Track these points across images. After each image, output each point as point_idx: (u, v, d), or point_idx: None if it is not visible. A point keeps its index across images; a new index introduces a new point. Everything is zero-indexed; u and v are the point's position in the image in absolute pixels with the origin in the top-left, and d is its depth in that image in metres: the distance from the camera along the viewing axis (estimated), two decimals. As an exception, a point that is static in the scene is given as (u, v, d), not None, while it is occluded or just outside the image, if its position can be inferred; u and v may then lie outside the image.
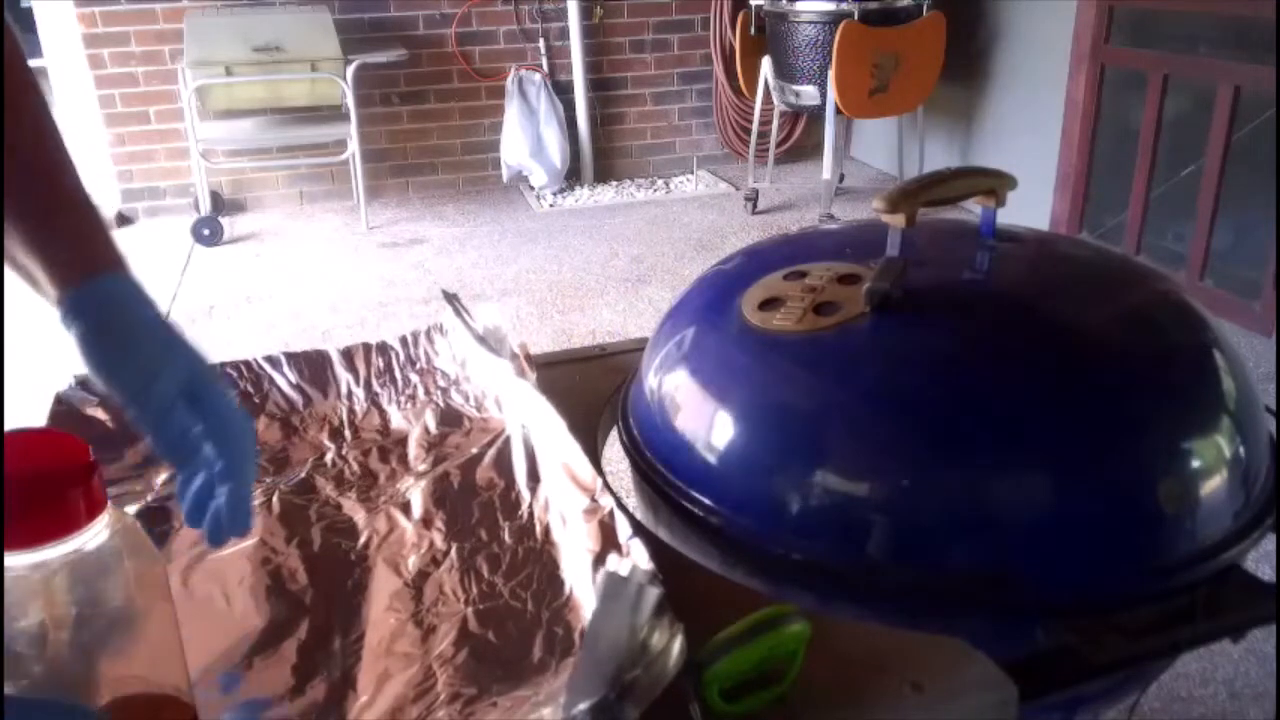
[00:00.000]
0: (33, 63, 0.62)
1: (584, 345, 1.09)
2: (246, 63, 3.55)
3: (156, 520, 0.76)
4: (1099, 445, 0.68)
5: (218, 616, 0.66)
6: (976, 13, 3.76)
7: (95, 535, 0.48)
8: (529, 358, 0.88)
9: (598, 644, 0.50)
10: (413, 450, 0.86)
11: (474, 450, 0.84)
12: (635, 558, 0.60)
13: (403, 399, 0.94)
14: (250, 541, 0.73)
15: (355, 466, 0.84)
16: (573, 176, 4.44)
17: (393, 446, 0.87)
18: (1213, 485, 0.70)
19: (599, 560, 0.63)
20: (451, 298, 0.98)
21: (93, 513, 0.47)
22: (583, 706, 0.47)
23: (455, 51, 4.22)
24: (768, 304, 0.79)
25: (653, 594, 0.51)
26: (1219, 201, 2.79)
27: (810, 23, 3.49)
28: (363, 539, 0.75)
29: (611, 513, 0.65)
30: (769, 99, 3.85)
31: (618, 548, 0.63)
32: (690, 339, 0.84)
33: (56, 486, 0.46)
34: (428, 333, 0.99)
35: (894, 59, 3.49)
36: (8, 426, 0.48)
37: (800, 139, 4.59)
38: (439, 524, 0.75)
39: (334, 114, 3.86)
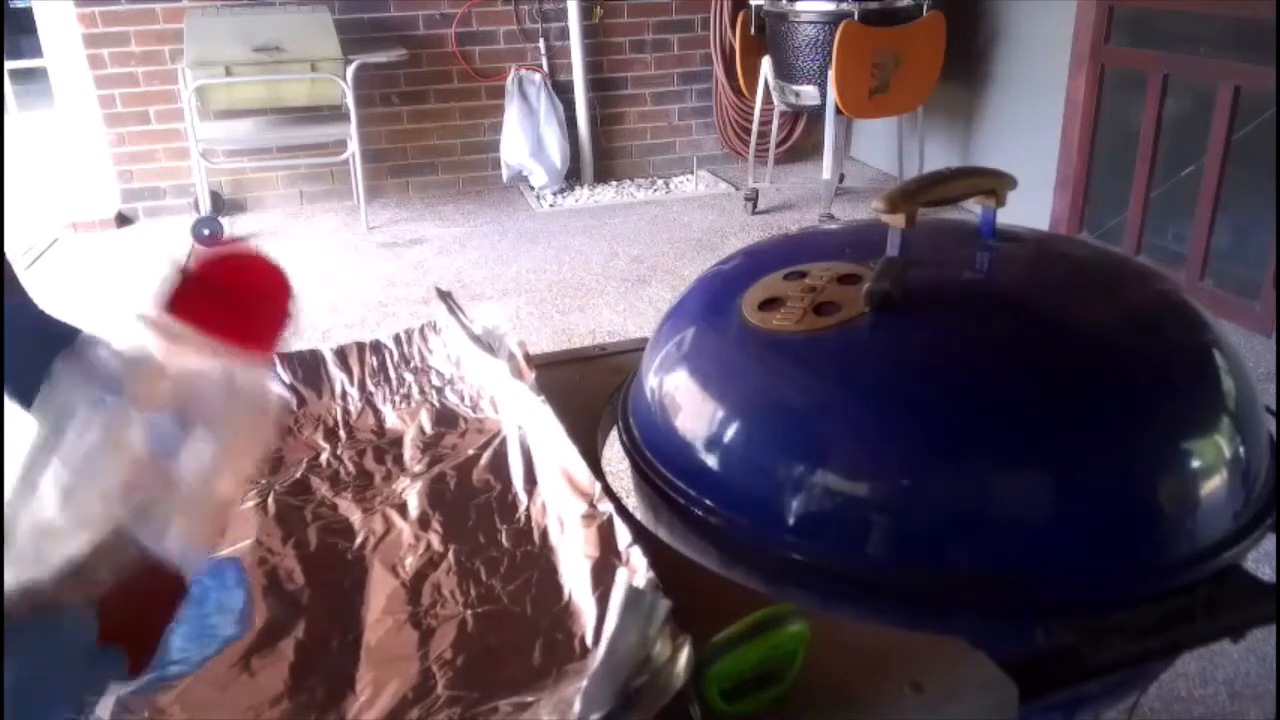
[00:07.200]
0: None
1: (584, 345, 1.08)
2: (246, 63, 3.55)
3: None
4: (1099, 445, 0.68)
5: None
6: (976, 13, 3.76)
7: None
8: (528, 357, 0.88)
9: (614, 656, 0.50)
10: (408, 451, 0.86)
11: (470, 451, 0.84)
12: (635, 565, 0.60)
13: (397, 399, 0.93)
14: (247, 542, 0.73)
15: (350, 467, 0.84)
16: (573, 176, 4.43)
17: (388, 447, 0.87)
18: (1213, 485, 0.70)
19: (598, 567, 0.63)
20: (445, 295, 0.98)
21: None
22: (595, 717, 0.47)
23: (455, 51, 4.22)
24: (768, 304, 0.79)
25: (664, 605, 0.51)
26: (1219, 201, 2.79)
27: (810, 23, 3.48)
28: (359, 539, 0.74)
29: (610, 519, 0.65)
30: (769, 99, 3.84)
31: (617, 555, 0.62)
32: (690, 339, 0.84)
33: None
34: (421, 331, 0.99)
35: (894, 59, 3.48)
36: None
37: (800, 139, 4.59)
38: (436, 525, 0.75)
39: (334, 114, 3.85)
